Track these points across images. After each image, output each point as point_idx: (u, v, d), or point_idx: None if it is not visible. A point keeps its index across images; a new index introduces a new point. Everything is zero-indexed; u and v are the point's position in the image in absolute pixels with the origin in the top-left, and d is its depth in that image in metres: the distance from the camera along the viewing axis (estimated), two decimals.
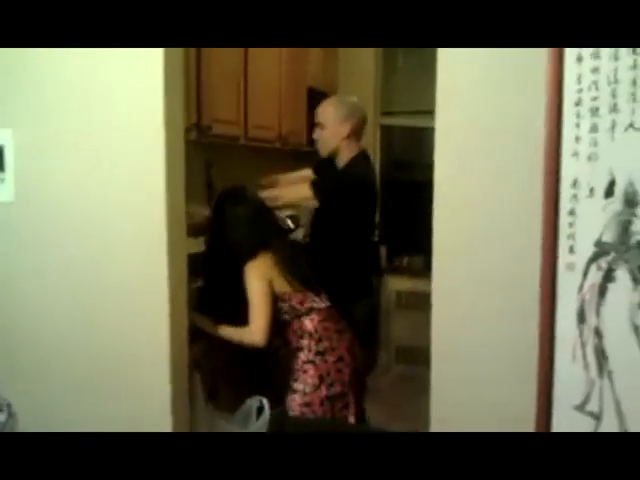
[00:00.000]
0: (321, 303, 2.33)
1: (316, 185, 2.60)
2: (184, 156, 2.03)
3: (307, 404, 2.25)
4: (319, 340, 2.28)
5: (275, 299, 2.27)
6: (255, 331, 2.22)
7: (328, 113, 2.68)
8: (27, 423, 1.51)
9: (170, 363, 1.97)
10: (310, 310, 2.30)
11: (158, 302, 1.95)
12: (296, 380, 2.28)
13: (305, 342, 2.28)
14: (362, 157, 2.73)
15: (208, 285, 2.43)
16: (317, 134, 2.73)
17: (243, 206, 2.39)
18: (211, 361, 2.36)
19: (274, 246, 2.34)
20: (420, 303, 3.98)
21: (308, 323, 2.28)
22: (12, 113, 2.05)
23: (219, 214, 2.42)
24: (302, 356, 2.28)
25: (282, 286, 2.27)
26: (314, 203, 2.62)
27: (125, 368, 2.02)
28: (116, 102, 1.94)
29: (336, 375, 2.29)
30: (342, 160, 2.70)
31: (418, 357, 4.06)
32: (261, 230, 2.36)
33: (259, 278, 2.25)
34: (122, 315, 2.01)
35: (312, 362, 2.26)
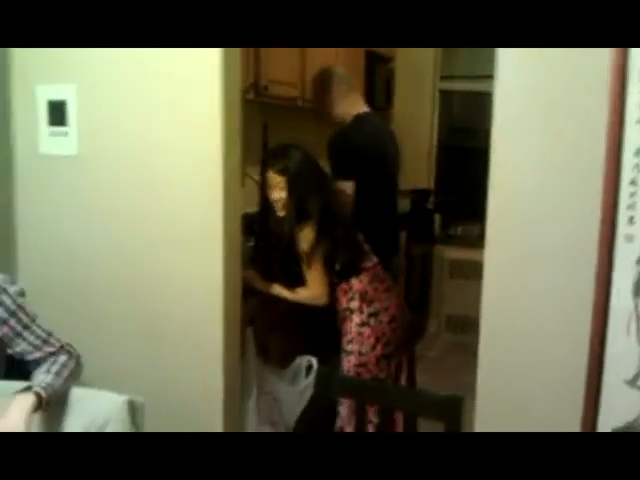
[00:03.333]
0: (369, 262, 2.34)
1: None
2: (241, 114, 2.06)
3: (363, 364, 2.30)
4: (370, 302, 2.30)
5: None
6: (317, 291, 2.26)
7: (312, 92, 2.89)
8: (85, 370, 1.59)
9: (223, 316, 2.04)
10: (359, 270, 2.31)
11: (213, 255, 2.02)
12: (350, 342, 2.31)
13: (356, 304, 2.30)
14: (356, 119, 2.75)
15: (266, 244, 2.45)
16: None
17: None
18: (264, 317, 2.42)
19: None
20: (473, 272, 3.94)
21: (357, 284, 2.30)
22: (76, 69, 2.13)
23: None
24: (356, 319, 2.30)
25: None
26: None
27: (181, 318, 2.10)
28: (175, 60, 1.98)
29: (391, 334, 2.33)
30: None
31: (469, 326, 4.04)
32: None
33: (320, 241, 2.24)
34: (178, 266, 2.08)
35: (367, 324, 2.29)
